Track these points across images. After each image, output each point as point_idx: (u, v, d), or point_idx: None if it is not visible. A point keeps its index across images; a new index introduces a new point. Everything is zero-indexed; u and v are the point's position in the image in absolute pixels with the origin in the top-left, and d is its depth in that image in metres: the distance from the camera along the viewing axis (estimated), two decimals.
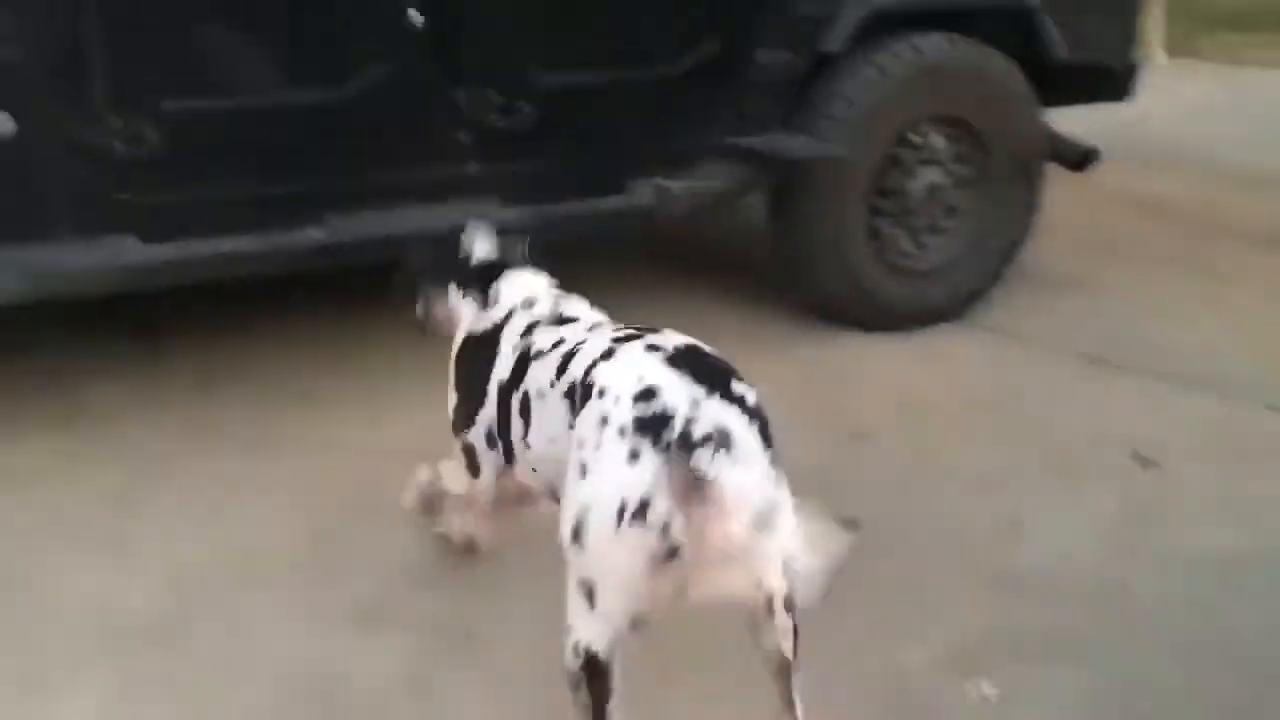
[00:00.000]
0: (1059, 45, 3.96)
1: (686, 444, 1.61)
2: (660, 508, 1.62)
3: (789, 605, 1.79)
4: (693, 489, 1.58)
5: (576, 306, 2.28)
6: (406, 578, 2.61)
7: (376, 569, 2.64)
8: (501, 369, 2.17)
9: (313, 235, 3.07)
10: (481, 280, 2.35)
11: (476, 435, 2.25)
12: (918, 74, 3.71)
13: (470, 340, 2.33)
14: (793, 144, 3.61)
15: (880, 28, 3.69)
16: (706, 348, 1.84)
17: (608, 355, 1.84)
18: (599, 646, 1.73)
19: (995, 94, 3.85)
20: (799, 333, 3.97)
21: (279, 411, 3.33)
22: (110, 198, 2.90)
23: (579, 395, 1.84)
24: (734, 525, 1.58)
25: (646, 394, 1.69)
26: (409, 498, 2.51)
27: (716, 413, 1.66)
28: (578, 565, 1.73)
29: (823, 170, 3.67)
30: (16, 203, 2.83)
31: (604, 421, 1.70)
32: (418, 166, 3.20)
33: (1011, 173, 3.98)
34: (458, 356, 2.35)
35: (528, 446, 2.07)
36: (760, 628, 1.83)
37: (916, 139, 3.81)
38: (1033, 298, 4.29)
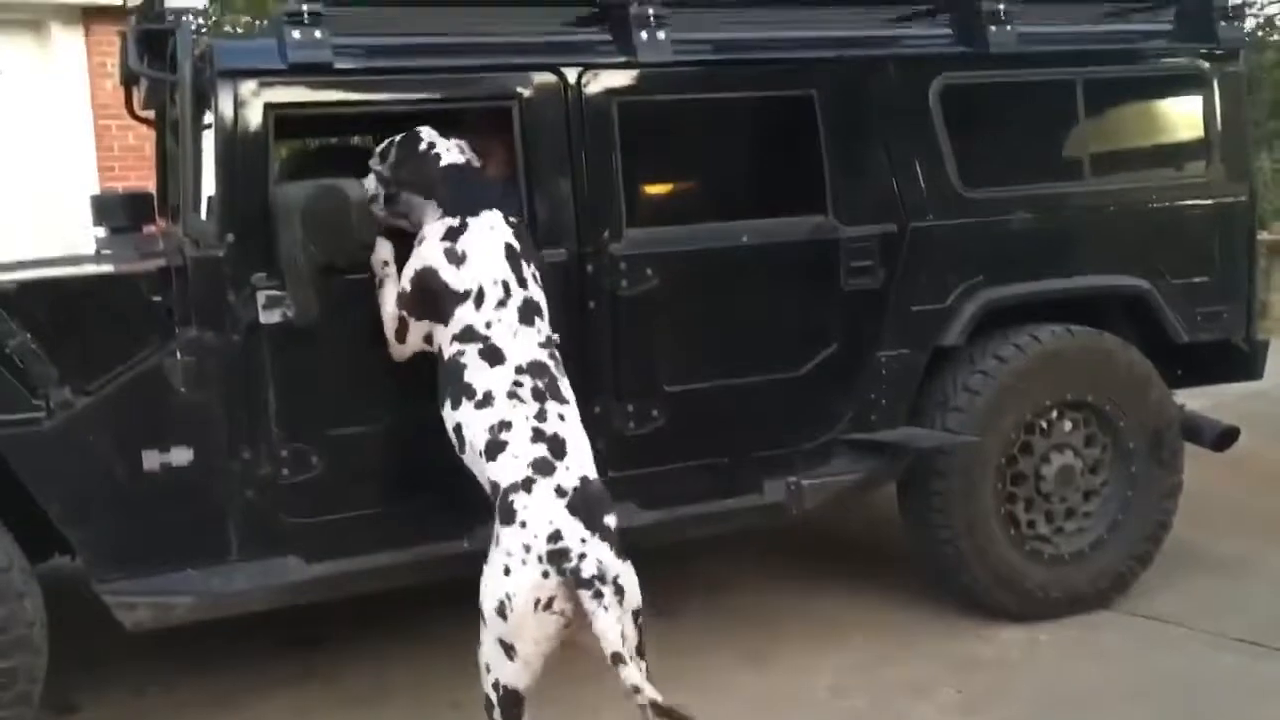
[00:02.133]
0: (1177, 328, 4.02)
1: (577, 575, 2.50)
2: (559, 604, 2.53)
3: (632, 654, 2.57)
4: (576, 591, 2.51)
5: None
6: None
7: None
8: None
9: (460, 546, 3.20)
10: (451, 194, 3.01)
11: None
12: (1038, 362, 3.78)
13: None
14: (923, 435, 3.68)
15: (997, 320, 3.82)
16: (591, 478, 2.70)
17: (528, 485, 2.63)
18: (517, 682, 2.57)
19: (1116, 377, 3.89)
20: (941, 626, 3.90)
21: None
22: (276, 520, 3.09)
23: (498, 503, 2.67)
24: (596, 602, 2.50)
25: (554, 536, 2.54)
26: None
27: (596, 550, 2.54)
28: (501, 630, 2.54)
29: (952, 459, 3.71)
30: (190, 527, 3.04)
31: (526, 549, 2.55)
32: None
33: (1145, 454, 3.96)
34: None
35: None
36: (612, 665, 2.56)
37: (1044, 424, 3.85)
38: (1187, 581, 4.16)
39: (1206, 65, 4.08)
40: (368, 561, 3.15)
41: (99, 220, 4.54)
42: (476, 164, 3.10)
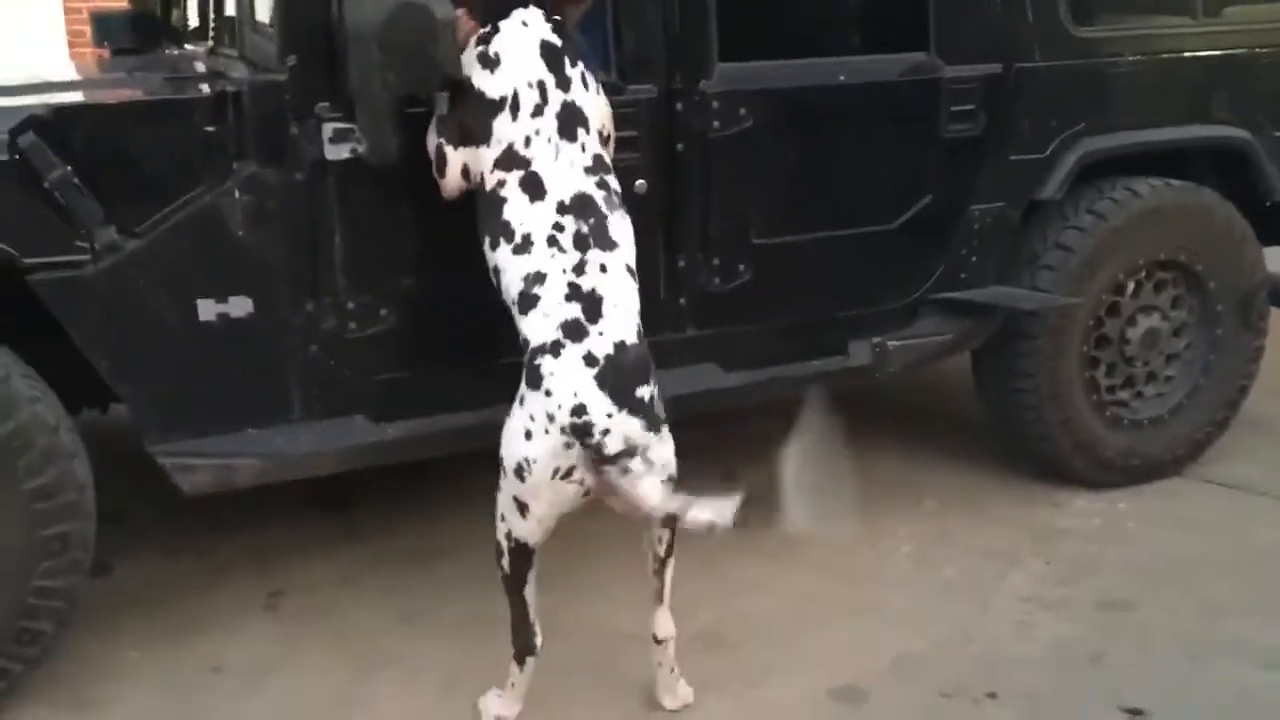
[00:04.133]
0: (1273, 183, 3.79)
1: (600, 451, 2.35)
2: (578, 474, 2.40)
3: (664, 522, 2.49)
4: (600, 467, 2.37)
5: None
6: None
7: None
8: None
9: None
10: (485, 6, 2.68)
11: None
12: (1135, 218, 3.55)
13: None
14: (1021, 296, 3.46)
15: (1093, 173, 3.57)
16: (629, 343, 2.44)
17: (556, 350, 2.42)
18: (528, 539, 2.49)
19: (1213, 236, 3.68)
20: (1013, 493, 3.75)
21: (492, 590, 3.18)
22: (340, 377, 2.83)
23: (526, 361, 2.48)
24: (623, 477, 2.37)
25: (578, 409, 2.36)
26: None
27: (623, 425, 2.36)
28: (517, 489, 2.43)
29: (1043, 321, 3.50)
30: (251, 384, 2.78)
31: (550, 418, 2.38)
32: None
33: (1232, 316, 3.78)
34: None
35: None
36: (643, 535, 2.58)
37: (1133, 284, 3.64)
38: (1259, 447, 4.02)
39: None
40: (442, 422, 2.90)
41: (101, 40, 4.17)
42: None
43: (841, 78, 3.21)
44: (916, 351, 3.43)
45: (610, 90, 2.87)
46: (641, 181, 2.98)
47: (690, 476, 3.87)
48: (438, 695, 2.78)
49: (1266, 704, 2.68)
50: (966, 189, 3.42)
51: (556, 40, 2.66)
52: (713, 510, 2.33)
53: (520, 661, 2.62)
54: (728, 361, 3.24)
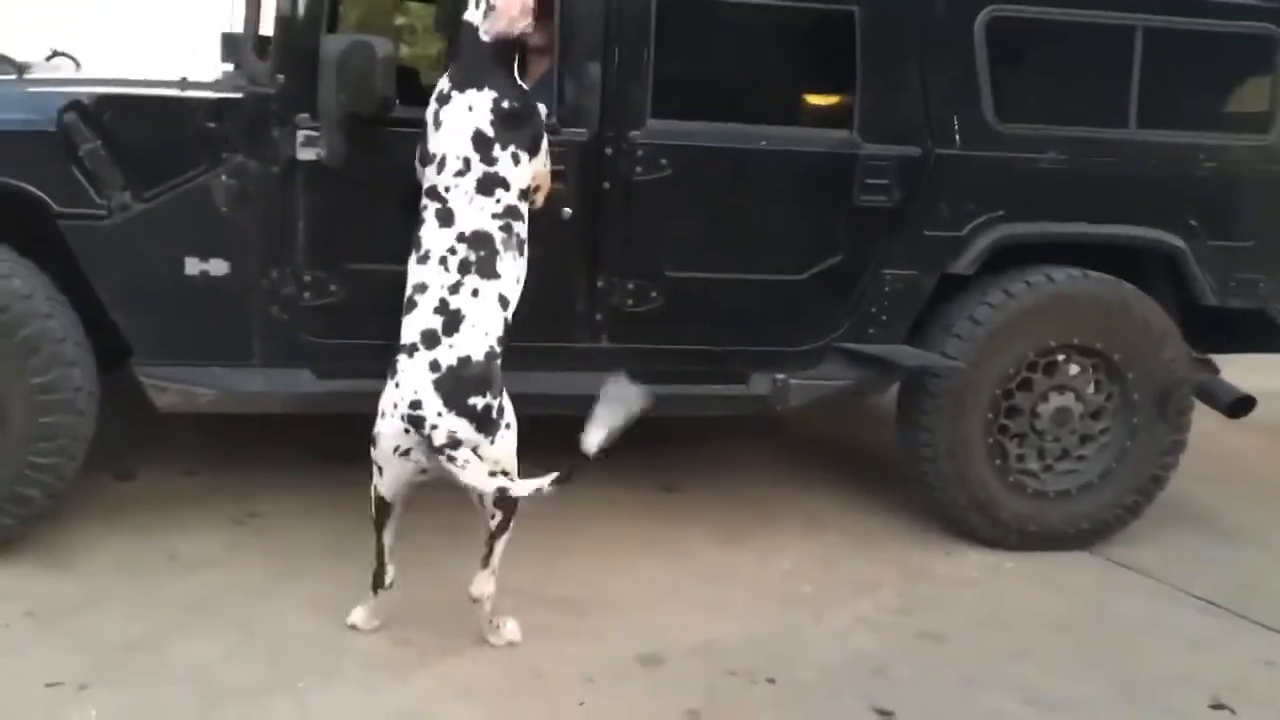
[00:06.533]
0: (1206, 290, 4.02)
1: (430, 441, 2.89)
2: (415, 455, 2.95)
3: (496, 504, 3.00)
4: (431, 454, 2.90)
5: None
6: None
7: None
8: None
9: None
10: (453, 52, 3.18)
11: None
12: (1048, 302, 3.86)
13: None
14: (910, 354, 3.82)
15: (1021, 257, 3.90)
16: (474, 360, 2.95)
17: (411, 351, 2.97)
18: (384, 494, 3.05)
19: (1130, 328, 3.93)
20: (914, 538, 4.09)
21: (429, 538, 3.61)
22: (294, 336, 3.49)
23: (396, 356, 3.01)
24: (450, 464, 2.87)
25: (415, 404, 2.90)
26: None
27: (450, 423, 2.88)
28: (373, 455, 3.01)
29: (944, 383, 3.84)
30: (220, 330, 3.47)
31: (395, 406, 2.94)
32: (557, 337, 3.65)
33: (1150, 408, 4.00)
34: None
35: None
36: (480, 511, 3.05)
37: (1048, 364, 3.93)
38: (1178, 538, 4.23)
39: None
40: (371, 385, 3.50)
41: (226, 57, 4.97)
42: (485, 35, 3.11)
43: (763, 143, 3.69)
44: (816, 391, 3.84)
45: (548, 130, 3.45)
46: (567, 209, 3.54)
47: (632, 487, 4.38)
48: (329, 605, 3.34)
49: None
50: (879, 254, 3.82)
51: (490, 132, 3.08)
52: (530, 486, 2.87)
53: (374, 590, 3.18)
54: (635, 374, 3.70)
